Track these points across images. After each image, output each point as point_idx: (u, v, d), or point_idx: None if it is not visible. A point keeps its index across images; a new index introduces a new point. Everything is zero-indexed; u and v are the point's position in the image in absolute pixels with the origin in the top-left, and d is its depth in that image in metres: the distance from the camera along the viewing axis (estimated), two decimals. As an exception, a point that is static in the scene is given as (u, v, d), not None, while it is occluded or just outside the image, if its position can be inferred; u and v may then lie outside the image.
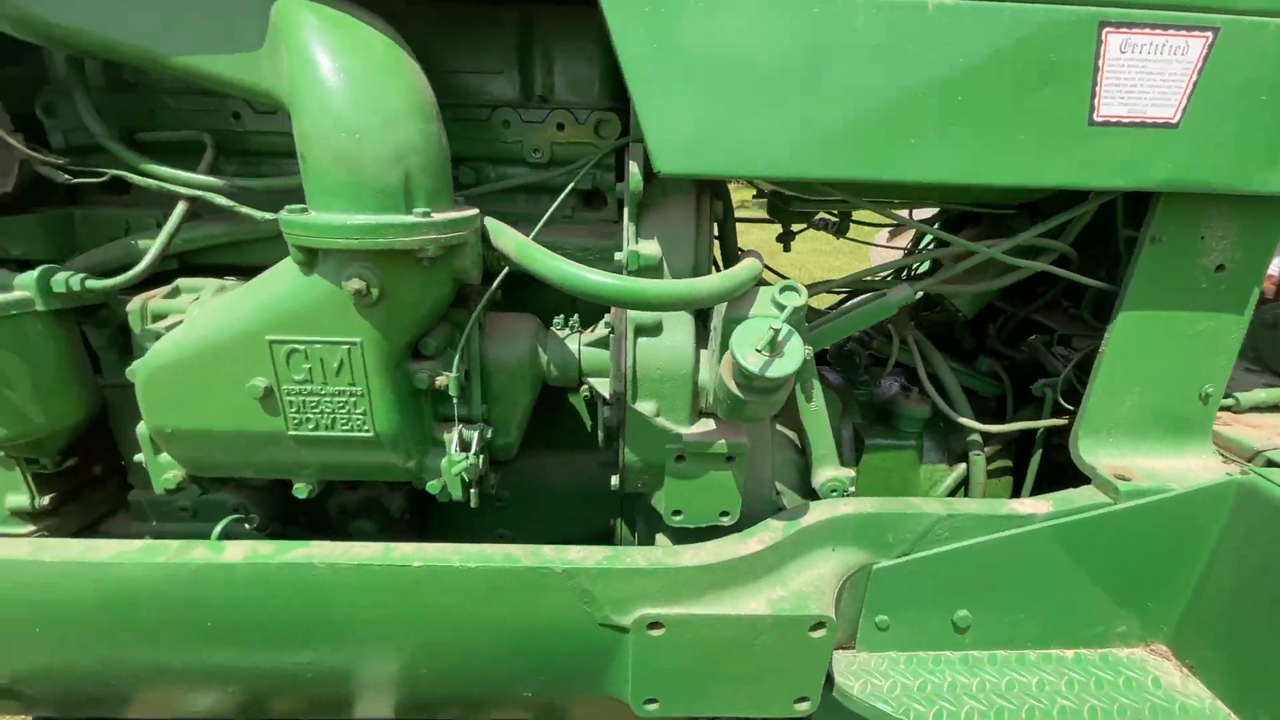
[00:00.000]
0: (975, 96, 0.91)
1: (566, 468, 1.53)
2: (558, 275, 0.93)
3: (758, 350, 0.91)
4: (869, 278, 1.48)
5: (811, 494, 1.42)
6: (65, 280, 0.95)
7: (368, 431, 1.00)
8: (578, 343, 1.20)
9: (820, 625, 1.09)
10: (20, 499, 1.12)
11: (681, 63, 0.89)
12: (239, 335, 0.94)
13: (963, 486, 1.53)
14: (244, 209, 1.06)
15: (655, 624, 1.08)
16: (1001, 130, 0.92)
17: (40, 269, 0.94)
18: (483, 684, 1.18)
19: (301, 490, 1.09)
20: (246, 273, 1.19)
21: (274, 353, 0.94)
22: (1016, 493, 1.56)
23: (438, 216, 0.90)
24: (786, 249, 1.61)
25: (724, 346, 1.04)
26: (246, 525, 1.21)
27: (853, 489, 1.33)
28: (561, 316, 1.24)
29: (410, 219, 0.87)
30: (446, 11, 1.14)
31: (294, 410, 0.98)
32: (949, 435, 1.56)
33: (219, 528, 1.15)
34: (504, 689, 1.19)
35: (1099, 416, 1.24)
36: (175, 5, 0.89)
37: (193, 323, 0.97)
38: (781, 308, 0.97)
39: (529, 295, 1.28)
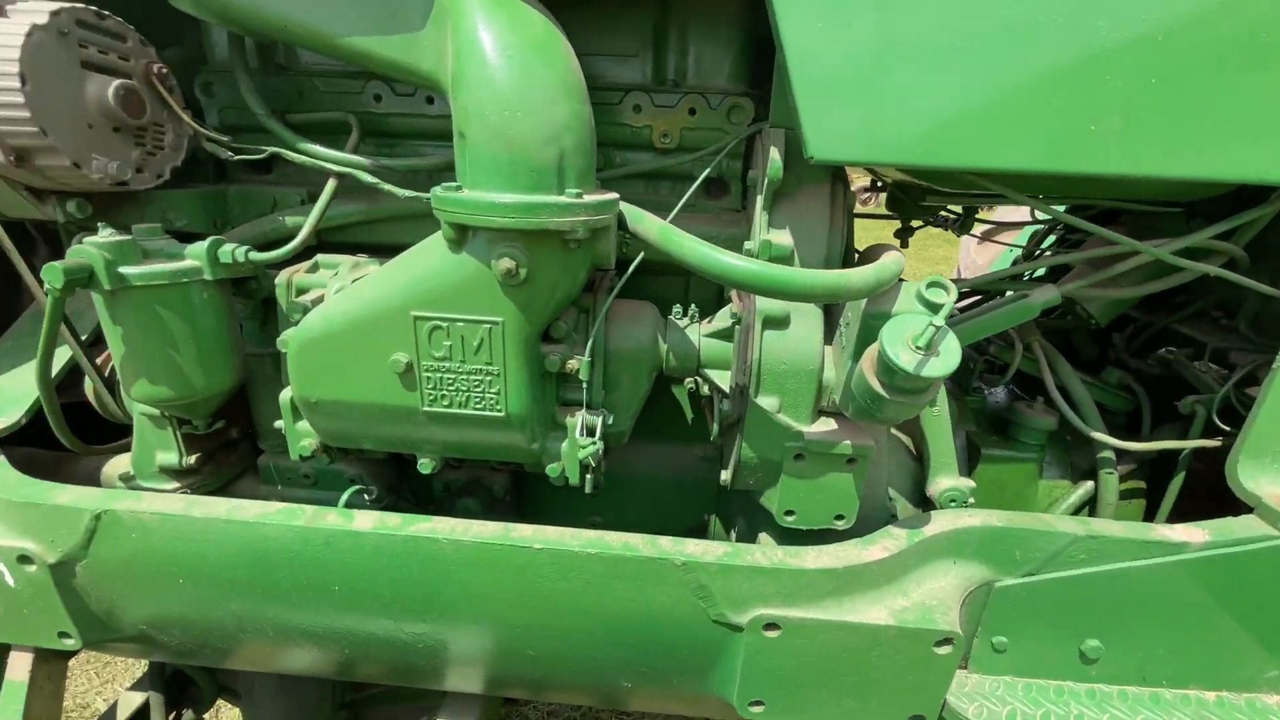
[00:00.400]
0: (1171, 77, 0.83)
1: (663, 457, 1.52)
2: (702, 260, 0.91)
3: (913, 348, 0.86)
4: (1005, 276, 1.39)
5: (923, 501, 1.36)
6: (231, 251, 1.00)
7: (499, 411, 1.00)
8: (698, 333, 1.18)
9: (946, 641, 1.03)
10: (170, 456, 1.19)
11: (848, 44, 0.85)
12: (385, 310, 0.96)
13: (1087, 506, 1.43)
14: (388, 187, 1.08)
15: (772, 625, 1.05)
16: (1203, 116, 0.84)
17: (210, 240, 1.00)
18: (586, 669, 1.18)
19: (426, 465, 1.12)
20: (377, 250, 1.22)
21: (417, 329, 0.96)
22: (1149, 517, 1.45)
23: (588, 198, 0.89)
24: (904, 245, 1.54)
25: (860, 342, 1.00)
26: (365, 497, 1.25)
27: (972, 500, 1.27)
28: (679, 305, 1.22)
29: (564, 199, 0.87)
30: (590, 5, 1.13)
31: (431, 386, 0.99)
32: (1073, 450, 1.46)
33: (344, 497, 1.19)
34: (606, 676, 1.19)
35: (1267, 441, 1.13)
36: (344, -15, 0.92)
37: (342, 296, 1.00)
38: (930, 304, 0.92)
39: (638, 282, 1.27)
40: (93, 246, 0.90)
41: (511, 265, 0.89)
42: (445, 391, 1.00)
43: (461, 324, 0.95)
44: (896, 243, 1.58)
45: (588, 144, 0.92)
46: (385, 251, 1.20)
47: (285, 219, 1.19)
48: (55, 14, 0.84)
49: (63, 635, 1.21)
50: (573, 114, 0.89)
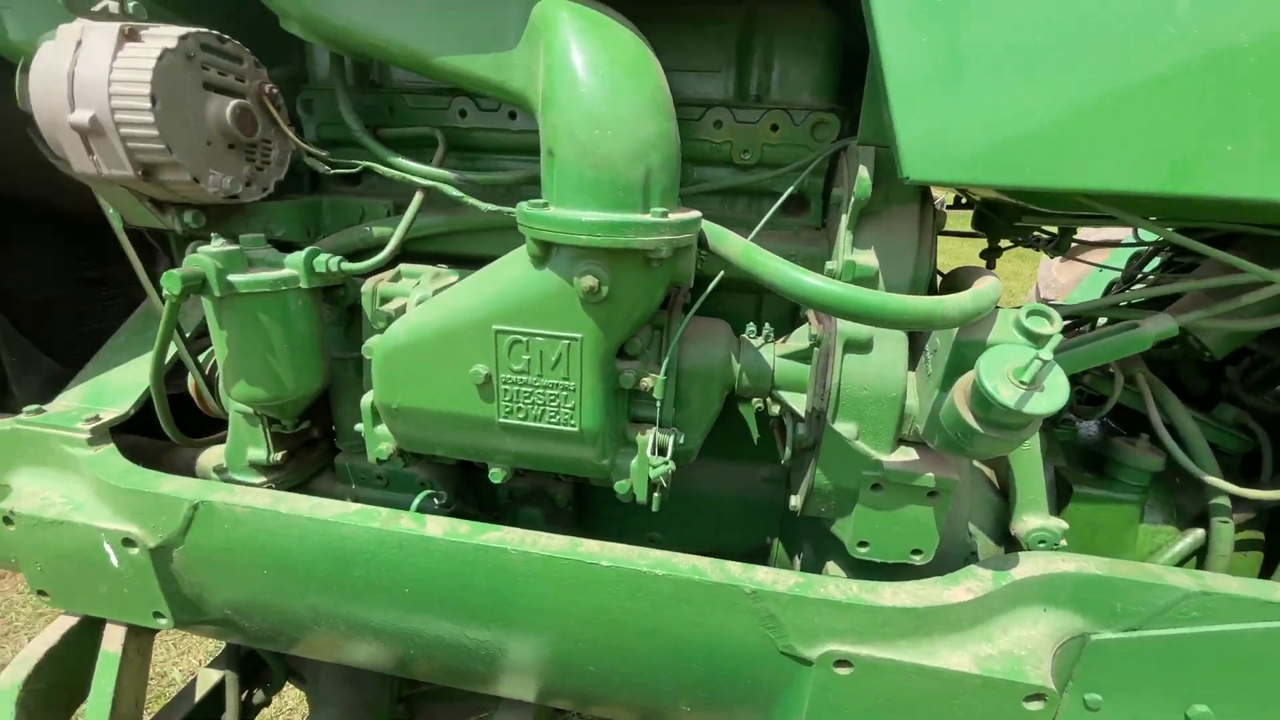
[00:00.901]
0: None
1: (726, 476, 1.49)
2: (788, 282, 0.88)
3: (1015, 382, 0.80)
4: (1108, 304, 1.30)
5: (1007, 540, 1.28)
6: (325, 261, 1.04)
7: (573, 426, 1.01)
8: (772, 353, 1.15)
9: (1038, 697, 0.96)
10: (259, 453, 1.25)
11: (953, 59, 0.81)
12: (468, 322, 0.98)
13: (1195, 557, 1.31)
14: (472, 201, 1.11)
15: (843, 662, 1.00)
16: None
17: (307, 250, 1.05)
18: (645, 690, 1.17)
19: (497, 475, 1.13)
20: (458, 261, 1.26)
21: (498, 342, 0.97)
22: (1267, 573, 1.31)
23: (673, 216, 0.88)
24: (991, 265, 1.46)
25: (950, 371, 0.94)
26: (435, 501, 1.28)
27: (1064, 542, 1.18)
28: (752, 324, 1.19)
29: (649, 218, 0.86)
30: (671, 9, 1.13)
31: (508, 399, 1.01)
32: (1180, 494, 1.33)
33: (416, 501, 1.22)
34: (664, 699, 1.17)
35: None
36: (444, 10, 0.95)
37: (427, 307, 1.03)
38: (1031, 334, 0.86)
39: (709, 298, 1.26)
40: (206, 256, 0.95)
41: (594, 283, 0.89)
42: (522, 404, 1.01)
43: (541, 339, 0.96)
44: (983, 263, 1.50)
45: (673, 162, 0.91)
46: (466, 262, 1.23)
47: (372, 229, 1.24)
48: (183, 38, 0.90)
49: (157, 615, 1.29)
50: (660, 133, 0.88)
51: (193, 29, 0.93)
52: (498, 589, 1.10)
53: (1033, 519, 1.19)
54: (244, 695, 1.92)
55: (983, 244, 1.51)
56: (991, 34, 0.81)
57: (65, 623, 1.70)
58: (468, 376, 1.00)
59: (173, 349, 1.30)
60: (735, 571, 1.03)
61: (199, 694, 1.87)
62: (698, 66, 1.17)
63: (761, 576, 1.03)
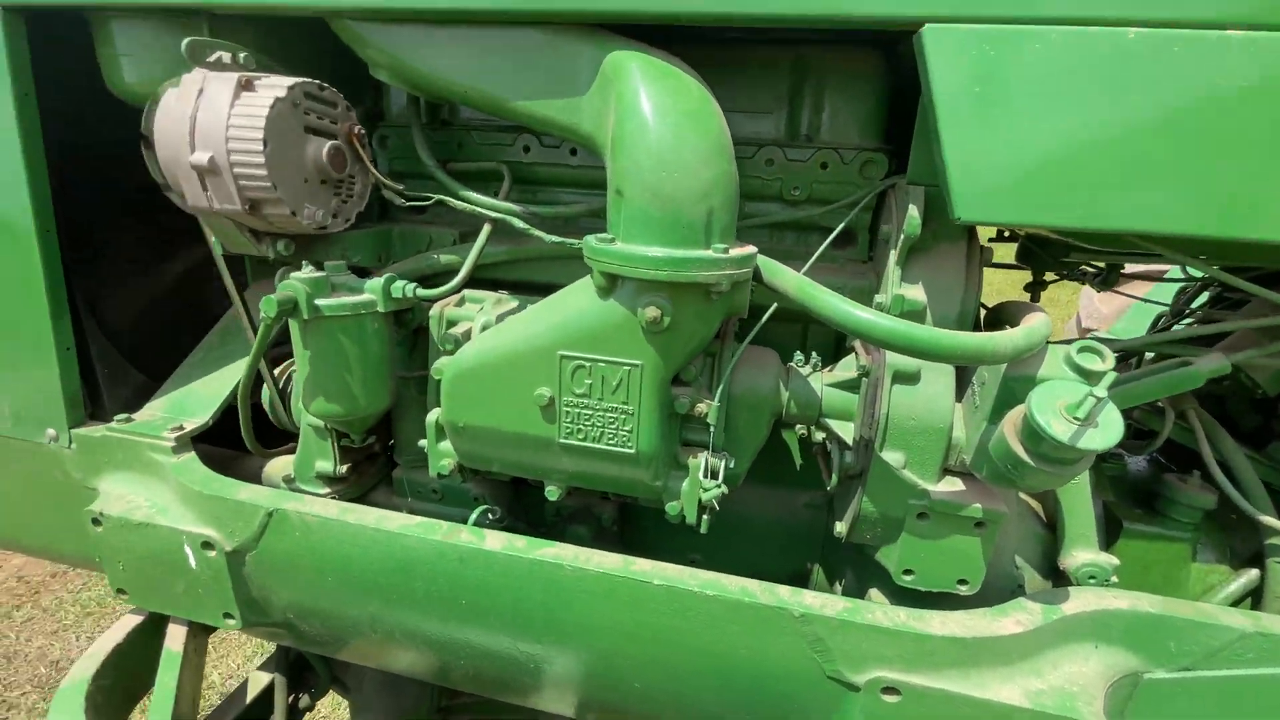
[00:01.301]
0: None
1: (768, 501, 1.52)
2: (842, 317, 0.92)
3: (1068, 418, 0.83)
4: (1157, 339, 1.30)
5: (1054, 574, 1.28)
6: (401, 287, 1.13)
7: (630, 448, 1.05)
8: (820, 381, 1.18)
9: (1091, 734, 0.96)
10: (326, 465, 1.33)
11: (1005, 103, 0.85)
12: (535, 348, 1.04)
13: (1250, 598, 1.28)
14: (536, 233, 1.18)
15: (891, 689, 1.02)
16: None
17: (385, 277, 1.13)
18: (689, 709, 1.19)
19: (553, 493, 1.19)
20: (518, 287, 1.33)
21: (562, 366, 1.03)
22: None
23: (733, 253, 0.93)
24: (1035, 299, 1.48)
25: (999, 405, 0.97)
26: (490, 516, 1.34)
27: (1114, 579, 1.17)
28: (799, 353, 1.23)
29: (711, 254, 0.92)
30: (727, 54, 1.20)
31: (569, 421, 1.06)
32: (1233, 533, 1.32)
33: (474, 516, 1.28)
34: (707, 717, 1.19)
35: None
36: (522, 59, 1.03)
37: (495, 332, 1.10)
38: (1082, 370, 0.89)
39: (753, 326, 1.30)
40: (298, 281, 1.04)
41: (657, 314, 0.94)
42: (582, 426, 1.06)
43: (603, 365, 1.01)
44: (1027, 296, 1.52)
45: (733, 201, 0.97)
46: (527, 289, 1.31)
47: (440, 256, 1.32)
48: (291, 88, 1.00)
49: (226, 615, 1.37)
50: (722, 174, 0.94)
51: (299, 79, 1.02)
52: (551, 603, 1.14)
53: (1082, 554, 1.19)
54: (290, 699, 1.98)
55: (1026, 276, 1.53)
56: (1043, 79, 0.85)
57: (130, 621, 1.80)
58: (532, 398, 1.06)
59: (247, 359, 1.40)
60: (784, 594, 1.06)
61: (250, 696, 1.94)
62: (750, 108, 1.24)
63: (809, 600, 1.05)
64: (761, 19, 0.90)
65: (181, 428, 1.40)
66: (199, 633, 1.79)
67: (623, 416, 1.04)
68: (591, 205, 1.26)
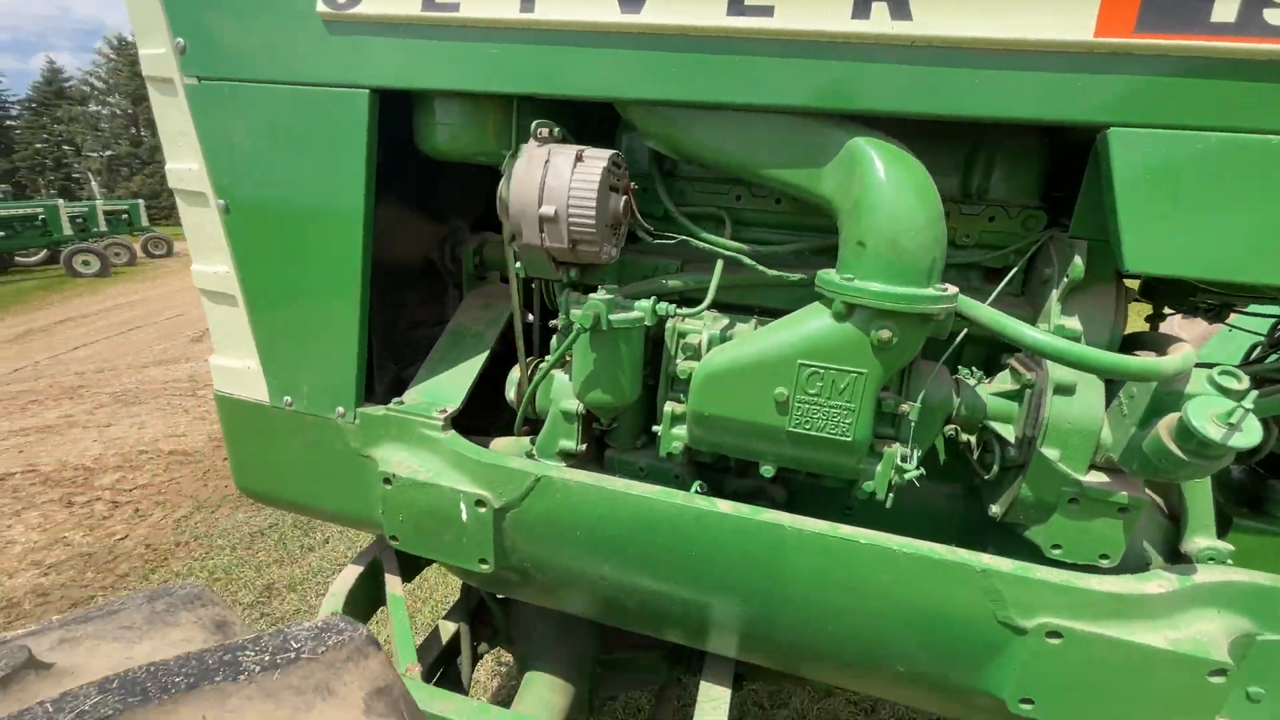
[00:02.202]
0: None
1: (915, 491, 1.81)
2: (1033, 341, 1.22)
3: (1219, 423, 1.11)
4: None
5: (1174, 557, 1.54)
6: (665, 307, 1.46)
7: (848, 438, 1.36)
8: (985, 391, 1.48)
9: (1220, 672, 1.23)
10: (569, 443, 1.67)
11: (1175, 188, 1.14)
12: (778, 357, 1.36)
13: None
14: (760, 268, 1.51)
15: (1054, 633, 1.30)
16: None
17: (653, 298, 1.47)
18: (873, 650, 1.49)
19: (768, 471, 1.50)
20: (728, 308, 1.65)
21: (799, 372, 1.35)
22: None
23: (949, 291, 1.24)
24: (1154, 328, 1.74)
25: (1150, 413, 1.25)
26: (700, 490, 1.66)
27: (1230, 562, 1.43)
28: (967, 369, 1.53)
29: (934, 292, 1.23)
30: (923, 134, 1.51)
31: (799, 414, 1.38)
32: (1328, 532, 1.56)
33: (694, 487, 1.61)
34: (887, 658, 1.49)
35: None
36: (779, 138, 1.36)
37: (742, 342, 1.42)
38: (1223, 389, 1.17)
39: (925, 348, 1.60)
40: (599, 300, 1.39)
41: (888, 336, 1.25)
42: (810, 419, 1.38)
43: (834, 372, 1.33)
44: (1147, 326, 1.78)
45: (944, 251, 1.28)
46: (736, 309, 1.63)
47: (666, 281, 1.66)
48: (608, 159, 1.35)
49: (482, 560, 1.72)
50: (941, 233, 1.25)
51: (610, 151, 1.38)
52: (772, 557, 1.45)
53: (1203, 540, 1.45)
54: (474, 645, 2.34)
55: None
56: (1201, 171, 1.14)
57: (353, 571, 2.18)
58: (771, 395, 1.38)
59: (480, 356, 1.77)
60: (964, 554, 1.35)
61: (443, 640, 2.30)
62: (935, 172, 1.54)
63: (987, 560, 1.34)
64: (980, 118, 1.21)
65: (445, 410, 1.76)
66: (407, 580, 2.17)
67: (845, 412, 1.35)
68: (799, 245, 1.59)
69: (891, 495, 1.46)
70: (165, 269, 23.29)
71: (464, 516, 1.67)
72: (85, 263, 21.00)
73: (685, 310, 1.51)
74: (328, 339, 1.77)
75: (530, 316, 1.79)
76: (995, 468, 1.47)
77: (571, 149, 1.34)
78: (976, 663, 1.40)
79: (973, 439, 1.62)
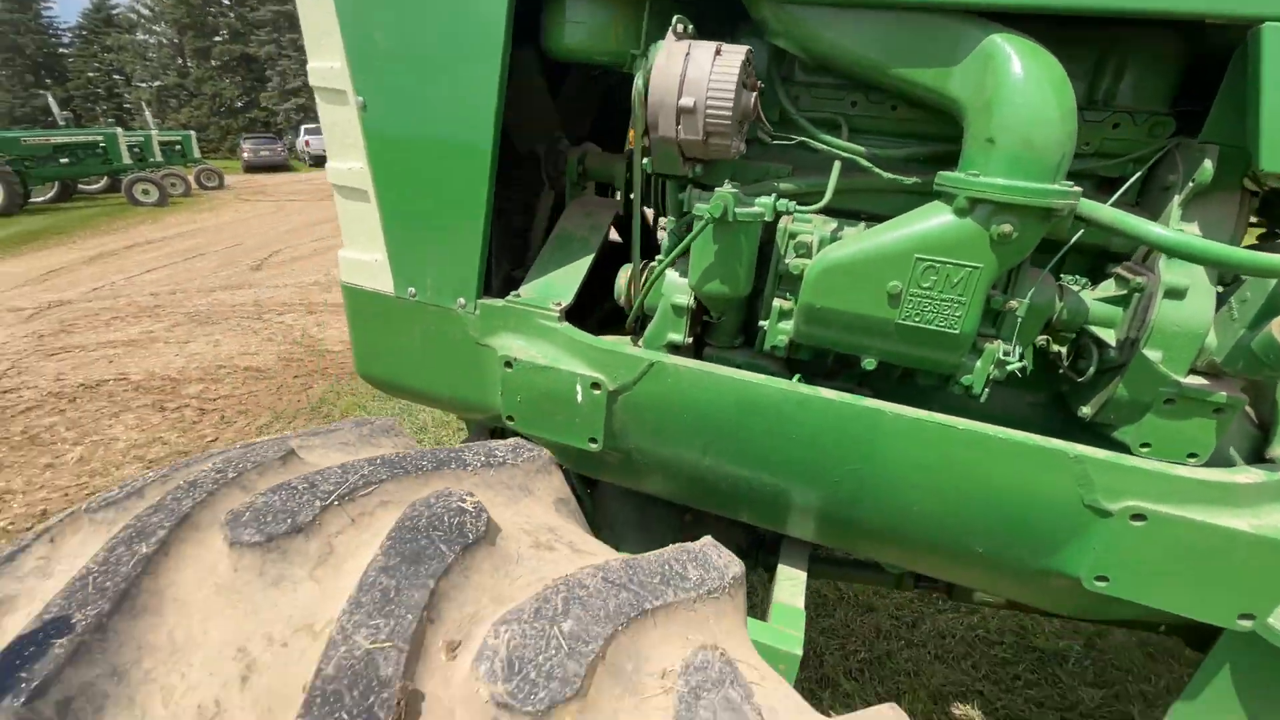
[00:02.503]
0: None
1: (999, 398, 1.90)
2: (1158, 238, 1.28)
3: (1342, 320, 1.17)
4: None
5: (1260, 464, 1.61)
6: (786, 204, 1.55)
7: (955, 330, 1.45)
8: (1088, 296, 1.54)
9: (1300, 555, 1.33)
10: (677, 336, 1.81)
11: None
12: (895, 252, 1.44)
13: None
14: (876, 170, 1.57)
15: (1139, 515, 1.41)
16: None
17: (775, 195, 1.55)
18: (955, 531, 1.62)
19: (870, 363, 1.61)
20: (833, 212, 1.71)
21: (915, 266, 1.43)
22: None
23: (1073, 188, 1.30)
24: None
25: (1261, 314, 1.31)
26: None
27: None
28: (1070, 276, 1.59)
29: (1060, 188, 1.28)
30: (1051, 33, 1.51)
31: (910, 307, 1.47)
32: None
33: (795, 379, 1.73)
34: (969, 539, 1.62)
35: None
36: (912, 37, 1.40)
37: (857, 238, 1.50)
38: None
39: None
40: (728, 193, 1.48)
41: (1009, 229, 1.32)
42: (920, 312, 1.47)
43: (950, 266, 1.40)
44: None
45: (1073, 148, 1.32)
46: (843, 215, 1.70)
47: (779, 184, 1.73)
48: (744, 54, 1.41)
49: (591, 439, 1.89)
50: (1072, 129, 1.29)
51: (745, 47, 1.43)
52: (868, 442, 1.58)
53: (1289, 445, 1.52)
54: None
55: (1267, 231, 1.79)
56: None
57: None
58: (885, 289, 1.47)
59: (586, 258, 1.90)
60: (1059, 442, 1.46)
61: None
62: None
63: (1080, 448, 1.44)
64: (1133, 12, 1.23)
65: (560, 304, 1.91)
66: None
67: (956, 305, 1.44)
68: (913, 151, 1.63)
69: (987, 391, 1.56)
70: (218, 200, 23.94)
71: (579, 398, 1.84)
72: (145, 192, 21.73)
73: (802, 208, 1.59)
74: (454, 233, 1.91)
75: (649, 211, 1.89)
76: (1092, 370, 1.55)
77: (710, 44, 1.41)
78: (1055, 544, 1.53)
79: (1063, 350, 1.69)
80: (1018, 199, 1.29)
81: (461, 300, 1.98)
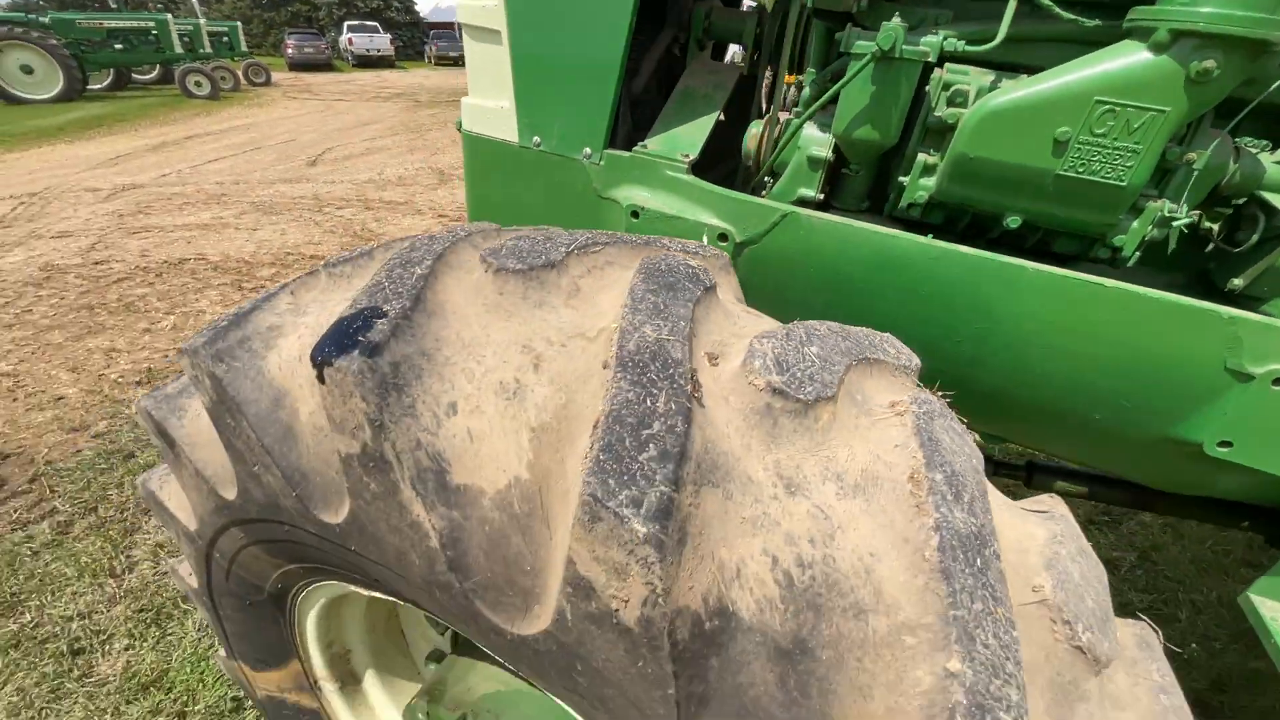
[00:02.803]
0: None
1: (1136, 278, 1.86)
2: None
3: None
4: None
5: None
6: (954, 43, 1.49)
7: (1123, 181, 1.41)
8: (1268, 160, 1.47)
9: None
10: (809, 191, 1.80)
11: None
12: (1072, 94, 1.38)
13: None
14: (1057, 10, 1.48)
15: (1281, 380, 1.41)
16: None
17: (941, 32, 1.49)
18: (1076, 395, 1.64)
19: (1014, 221, 1.59)
20: (989, 64, 1.64)
21: (1093, 110, 1.38)
22: None
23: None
24: None
25: None
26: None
27: None
28: (1250, 138, 1.51)
29: (1278, 17, 1.20)
30: None
31: (1076, 155, 1.42)
32: None
33: (928, 238, 1.73)
34: (1087, 404, 1.65)
35: None
36: None
37: (1029, 82, 1.45)
38: None
39: None
40: (898, 26, 1.43)
41: (1211, 66, 1.25)
42: (1085, 160, 1.42)
43: (1133, 110, 1.35)
44: None
45: None
46: (1002, 68, 1.62)
47: (938, 30, 1.65)
48: None
49: None
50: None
51: None
52: (1009, 298, 1.58)
53: None
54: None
55: None
56: None
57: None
58: (1051, 135, 1.42)
59: (711, 114, 1.86)
60: (1210, 304, 1.44)
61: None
62: None
63: (1233, 310, 1.43)
64: None
65: (687, 156, 1.90)
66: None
67: (1129, 154, 1.39)
68: None
69: (1137, 255, 1.53)
70: (267, 97, 23.78)
71: (703, 249, 1.87)
72: (198, 84, 21.71)
73: (971, 48, 1.52)
74: (587, 79, 1.90)
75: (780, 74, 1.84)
76: (1255, 238, 1.51)
77: None
78: (1182, 409, 1.54)
79: (1215, 226, 1.63)
80: (1231, 28, 1.21)
81: (588, 150, 1.99)
